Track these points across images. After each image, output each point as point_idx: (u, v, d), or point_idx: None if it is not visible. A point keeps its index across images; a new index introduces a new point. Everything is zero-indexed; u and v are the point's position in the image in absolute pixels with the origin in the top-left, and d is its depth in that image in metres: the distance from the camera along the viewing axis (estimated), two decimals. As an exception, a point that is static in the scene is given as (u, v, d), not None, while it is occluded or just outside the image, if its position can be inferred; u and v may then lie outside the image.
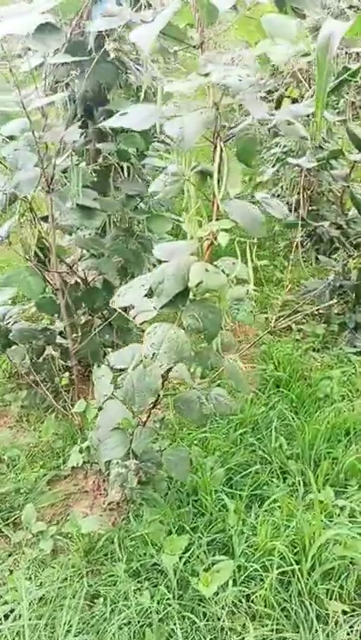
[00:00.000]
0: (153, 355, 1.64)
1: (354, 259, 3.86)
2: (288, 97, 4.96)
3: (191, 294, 1.78)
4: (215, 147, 1.71)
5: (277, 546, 2.14)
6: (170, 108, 1.66)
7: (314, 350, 3.86)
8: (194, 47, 1.76)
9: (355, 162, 4.07)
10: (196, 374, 1.95)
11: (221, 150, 1.71)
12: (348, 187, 3.78)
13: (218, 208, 1.75)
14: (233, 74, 1.52)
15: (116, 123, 1.67)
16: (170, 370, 2.04)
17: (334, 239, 4.23)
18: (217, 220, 1.77)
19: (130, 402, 1.88)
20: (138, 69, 2.82)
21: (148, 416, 2.22)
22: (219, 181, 1.73)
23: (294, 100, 4.91)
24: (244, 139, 1.79)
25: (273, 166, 4.59)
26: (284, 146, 4.47)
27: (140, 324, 1.92)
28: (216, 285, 1.70)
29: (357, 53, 3.99)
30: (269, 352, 3.71)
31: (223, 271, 1.76)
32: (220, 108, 1.69)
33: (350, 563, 2.19)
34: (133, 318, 1.92)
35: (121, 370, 2.00)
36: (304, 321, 4.20)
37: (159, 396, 2.10)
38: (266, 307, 4.47)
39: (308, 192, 4.93)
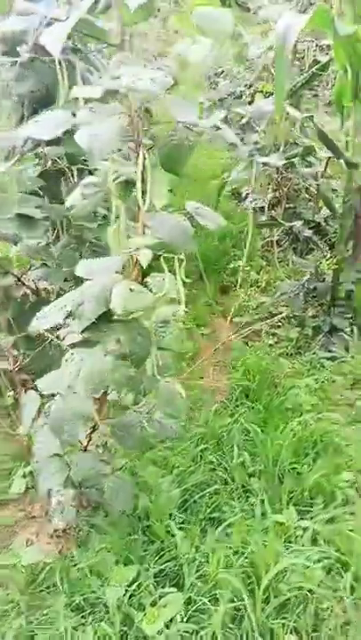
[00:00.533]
0: (69, 385, 1.50)
1: (328, 259, 3.70)
2: (261, 92, 4.81)
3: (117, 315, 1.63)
4: (137, 155, 1.56)
5: (228, 577, 2.01)
6: (84, 113, 1.51)
7: (287, 355, 3.72)
8: (113, 46, 1.60)
9: (329, 158, 3.93)
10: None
11: (144, 159, 1.56)
12: (319, 184, 3.62)
13: (143, 222, 1.60)
14: (145, 77, 1.36)
15: (25, 131, 1.51)
16: (106, 393, 1.90)
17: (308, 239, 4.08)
18: (143, 234, 1.62)
19: (58, 430, 1.74)
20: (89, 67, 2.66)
21: (89, 441, 2.07)
22: (143, 193, 1.58)
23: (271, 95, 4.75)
24: (169, 145, 1.64)
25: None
26: (256, 142, 4.29)
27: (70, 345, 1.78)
28: (141, 307, 1.56)
29: (328, 46, 3.84)
30: (239, 358, 3.57)
31: (151, 290, 1.61)
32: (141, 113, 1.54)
33: (308, 592, 2.05)
34: (62, 339, 1.78)
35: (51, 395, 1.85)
36: (279, 325, 4.05)
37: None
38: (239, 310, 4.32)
39: (285, 189, 4.76)
